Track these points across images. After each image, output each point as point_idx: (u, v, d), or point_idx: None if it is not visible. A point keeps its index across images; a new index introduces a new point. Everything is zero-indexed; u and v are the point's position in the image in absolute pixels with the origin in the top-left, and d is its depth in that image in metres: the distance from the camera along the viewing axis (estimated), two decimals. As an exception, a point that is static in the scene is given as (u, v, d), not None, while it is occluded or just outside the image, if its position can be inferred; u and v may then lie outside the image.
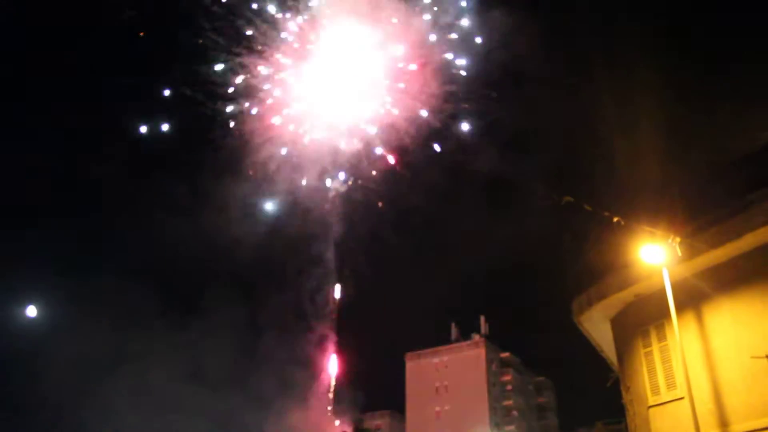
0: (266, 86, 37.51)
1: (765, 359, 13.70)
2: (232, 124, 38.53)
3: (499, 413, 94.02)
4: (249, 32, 36.25)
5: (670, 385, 15.91)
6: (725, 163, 15.97)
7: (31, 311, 33.92)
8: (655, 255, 14.75)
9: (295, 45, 36.55)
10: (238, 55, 36.26)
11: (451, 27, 37.29)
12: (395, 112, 38.35)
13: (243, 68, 36.83)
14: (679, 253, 14.74)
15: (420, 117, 38.66)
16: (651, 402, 16.53)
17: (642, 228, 15.47)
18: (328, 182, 42.56)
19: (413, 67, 37.63)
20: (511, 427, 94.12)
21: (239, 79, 37.22)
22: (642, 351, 17.07)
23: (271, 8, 35.83)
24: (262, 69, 36.91)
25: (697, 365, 15.00)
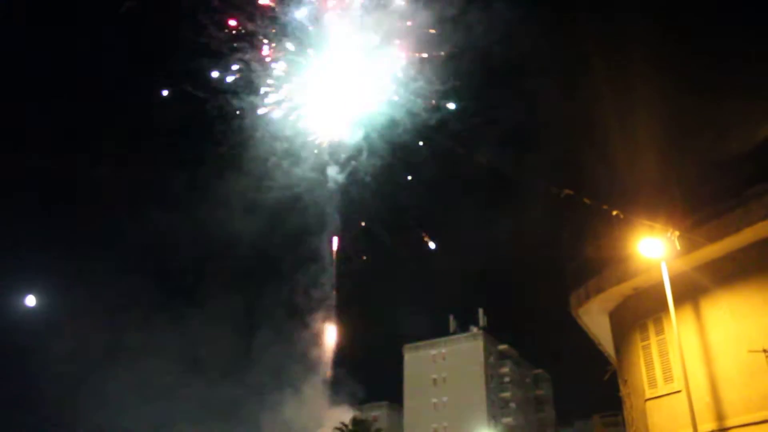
0: (267, 80, 37.44)
1: (762, 353, 13.76)
2: (232, 118, 38.47)
3: (496, 405, 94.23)
4: (250, 26, 36.14)
5: (668, 378, 15.98)
6: (724, 158, 15.98)
7: (30, 301, 33.94)
8: (653, 249, 14.77)
9: (297, 38, 36.47)
10: (240, 50, 36.18)
11: (455, 21, 37.15)
12: (396, 106, 38.32)
13: (244, 63, 36.74)
14: (678, 247, 14.76)
15: (420, 111, 38.60)
16: (648, 395, 16.61)
17: (641, 222, 15.50)
18: (328, 176, 42.58)
19: (413, 60, 37.56)
20: (509, 420, 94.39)
21: (240, 74, 37.16)
22: (640, 344, 17.13)
23: (272, 3, 35.72)
24: (263, 63, 36.84)
25: (694, 359, 15.06)
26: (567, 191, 17.33)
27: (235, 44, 35.82)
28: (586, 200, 17.19)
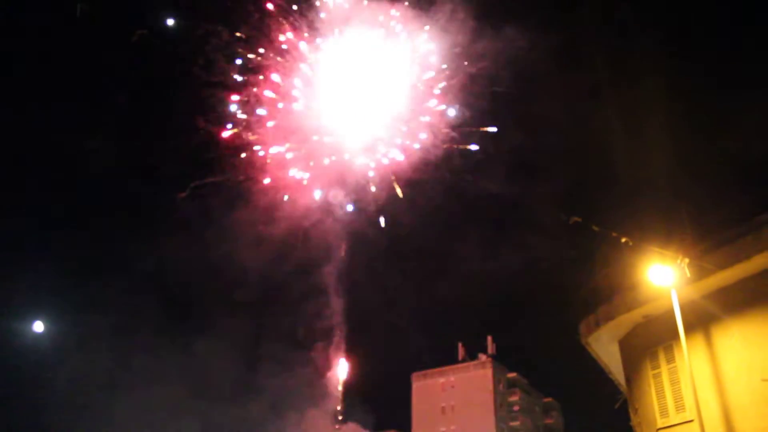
0: (273, 113, 37.76)
1: (775, 382, 13.56)
2: (239, 150, 38.75)
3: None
4: (259, 60, 36.56)
5: (679, 407, 15.76)
6: (734, 184, 15.93)
7: (38, 327, 33.75)
8: (663, 276, 14.66)
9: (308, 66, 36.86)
10: (250, 84, 36.57)
11: (462, 50, 37.44)
12: (400, 135, 38.56)
13: (256, 98, 37.11)
14: (688, 274, 14.66)
15: (425, 139, 38.77)
16: (660, 425, 16.36)
17: (650, 249, 15.41)
18: (335, 205, 42.68)
19: (416, 88, 37.85)
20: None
21: (250, 106, 37.54)
22: (650, 373, 16.93)
23: (281, 36, 36.15)
24: (272, 98, 37.20)
25: (706, 388, 14.86)
26: (575, 218, 17.30)
27: (245, 78, 36.26)
28: (595, 227, 17.14)
